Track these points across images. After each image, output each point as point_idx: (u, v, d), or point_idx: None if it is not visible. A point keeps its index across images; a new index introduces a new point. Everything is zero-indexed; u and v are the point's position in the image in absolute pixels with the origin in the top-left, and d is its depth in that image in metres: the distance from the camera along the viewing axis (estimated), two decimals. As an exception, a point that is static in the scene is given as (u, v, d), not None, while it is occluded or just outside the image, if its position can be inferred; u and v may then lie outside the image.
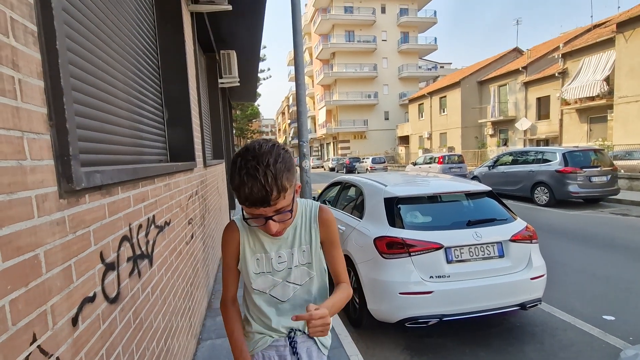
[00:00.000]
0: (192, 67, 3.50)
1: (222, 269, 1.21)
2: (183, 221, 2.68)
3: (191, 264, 2.93)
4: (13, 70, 0.78)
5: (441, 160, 16.00)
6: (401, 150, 35.74)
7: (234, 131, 19.29)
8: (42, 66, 0.88)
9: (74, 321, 0.99)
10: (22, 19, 0.81)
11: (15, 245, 0.75)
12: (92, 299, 1.11)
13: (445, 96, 28.15)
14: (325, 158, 44.15)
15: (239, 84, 7.63)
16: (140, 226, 1.64)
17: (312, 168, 40.58)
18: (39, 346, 0.81)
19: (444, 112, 28.68)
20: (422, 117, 31.94)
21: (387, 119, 41.13)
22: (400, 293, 2.81)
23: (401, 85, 40.90)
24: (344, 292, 1.21)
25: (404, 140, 36.36)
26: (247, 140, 35.03)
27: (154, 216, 1.87)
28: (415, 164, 18.08)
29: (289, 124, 58.35)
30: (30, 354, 0.78)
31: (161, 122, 2.86)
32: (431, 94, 29.82)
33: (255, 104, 34.25)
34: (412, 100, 33.26)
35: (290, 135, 55.68)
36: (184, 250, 2.66)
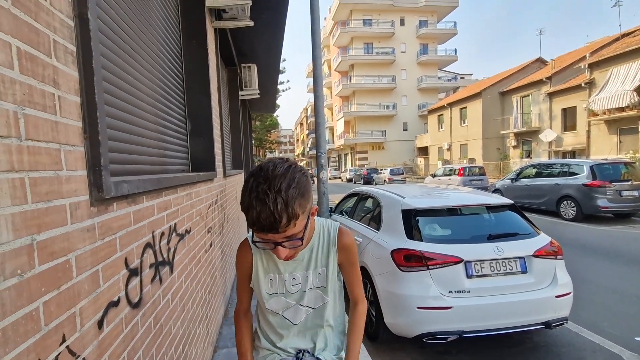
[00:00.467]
0: (214, 80, 3.63)
1: (237, 282, 1.22)
2: (203, 230, 2.75)
3: (209, 272, 2.99)
4: (54, 88, 0.84)
5: (461, 172, 15.71)
6: (420, 161, 35.36)
7: (253, 141, 19.65)
8: (79, 83, 0.95)
9: (100, 324, 1.03)
10: (63, 41, 0.88)
11: (50, 250, 0.80)
12: (116, 304, 1.15)
13: (465, 107, 27.80)
14: (343, 169, 44.17)
15: (258, 96, 7.81)
16: (162, 234, 1.69)
17: (330, 179, 40.67)
18: (67, 347, 0.86)
19: (464, 123, 28.28)
20: (441, 128, 31.60)
21: (405, 129, 40.92)
22: (418, 307, 2.76)
23: (420, 96, 40.71)
24: (362, 321, 1.24)
25: (423, 151, 36.00)
26: (265, 151, 35.56)
27: (175, 224, 1.93)
28: (434, 175, 17.82)
29: (307, 135, 58.86)
30: (59, 353, 0.82)
31: (184, 134, 2.96)
32: (451, 104, 29.52)
33: (274, 115, 34.82)
34: (431, 111, 33.03)
35: (308, 145, 56.14)
36: (202, 258, 2.71)
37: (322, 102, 4.83)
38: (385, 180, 24.09)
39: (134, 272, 1.32)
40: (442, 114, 31.26)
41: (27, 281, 0.72)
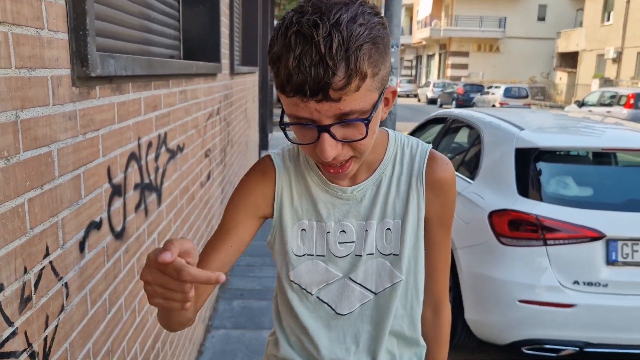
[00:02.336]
0: None
1: (218, 226, 1.12)
2: (199, 151, 3.02)
3: (205, 217, 3.32)
4: None
5: (632, 101, 14.96)
6: (560, 78, 33.73)
7: (275, 23, 19.53)
8: None
9: (81, 246, 1.31)
10: None
11: (33, 134, 1.03)
12: (98, 226, 1.43)
13: (659, -17, 25.48)
14: (423, 81, 43.16)
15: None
16: (150, 144, 1.94)
17: (400, 96, 40.15)
18: (50, 262, 1.13)
19: (652, 12, 26.16)
20: (608, 19, 29.57)
21: (542, 19, 38.69)
22: (520, 301, 2.96)
23: (578, -43, 37.61)
24: (447, 333, 1.22)
25: (569, 60, 34.15)
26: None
27: (165, 134, 2.18)
28: (582, 104, 17.15)
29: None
30: (43, 268, 1.09)
31: (175, -2, 3.12)
32: (633, -23, 27.15)
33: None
34: (594, -12, 30.76)
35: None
36: (197, 195, 3.02)
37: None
38: (494, 106, 23.53)
39: (117, 190, 1.59)
40: (613, -6, 29.07)
41: (13, 167, 0.95)
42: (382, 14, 0.92)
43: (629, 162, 3.74)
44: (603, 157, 3.69)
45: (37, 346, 1.07)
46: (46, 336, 1.11)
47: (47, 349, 1.12)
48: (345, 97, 0.82)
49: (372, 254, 1.08)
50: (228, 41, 4.19)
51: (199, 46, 3.38)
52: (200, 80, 3.02)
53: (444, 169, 1.10)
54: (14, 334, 0.97)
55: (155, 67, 1.88)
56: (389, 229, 1.08)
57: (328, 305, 1.11)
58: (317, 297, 1.11)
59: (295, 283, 1.10)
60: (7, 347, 0.95)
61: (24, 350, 1.02)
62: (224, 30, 3.84)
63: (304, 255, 1.09)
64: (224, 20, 3.84)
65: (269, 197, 1.09)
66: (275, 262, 1.16)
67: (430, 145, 1.13)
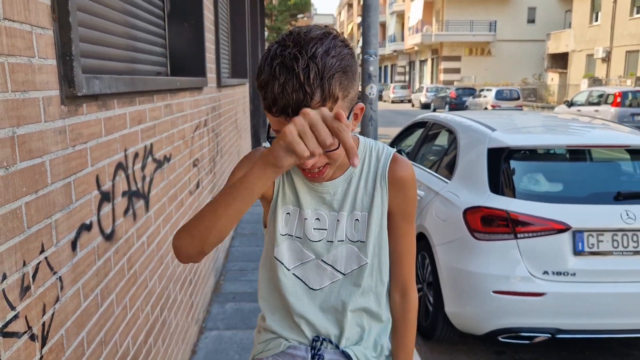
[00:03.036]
0: None
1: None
2: (187, 160, 3.19)
3: (195, 223, 3.48)
4: (24, -43, 1.19)
5: (619, 100, 15.18)
6: (552, 78, 34.00)
7: (266, 34, 19.77)
8: (46, -51, 1.30)
9: (73, 245, 1.48)
10: None
11: (28, 147, 1.20)
12: (88, 228, 1.60)
13: (645, -18, 25.78)
14: (417, 86, 43.46)
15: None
16: (136, 155, 2.12)
17: (393, 102, 40.46)
18: (46, 258, 1.30)
19: (638, 12, 26.47)
20: (595, 20, 29.86)
21: (532, 21, 39.04)
22: (494, 292, 3.13)
23: (564, -41, 37.99)
24: (414, 316, 1.37)
25: (560, 61, 34.44)
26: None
27: (151, 145, 2.35)
28: (571, 104, 17.35)
29: (359, 25, 57.44)
30: (40, 262, 1.26)
31: (160, 17, 3.31)
32: (619, -23, 27.46)
33: (304, -12, 34.18)
34: (581, -11, 31.06)
35: (361, 43, 54.97)
36: (186, 202, 3.19)
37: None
38: (486, 109, 23.72)
39: (105, 197, 1.76)
40: (600, -5, 29.36)
41: (12, 176, 1.13)
42: (351, 44, 1.14)
43: (600, 158, 3.93)
44: (575, 154, 3.86)
45: (36, 330, 1.24)
46: (44, 322, 1.28)
47: (45, 333, 1.29)
48: None
49: (342, 240, 1.27)
50: (214, 56, 4.37)
51: (185, 62, 3.56)
52: (186, 94, 3.20)
53: (403, 170, 1.28)
54: (16, 317, 1.14)
55: (138, 84, 2.05)
56: (357, 219, 1.27)
57: (302, 281, 1.29)
58: (293, 274, 1.29)
59: (277, 259, 1.29)
60: (10, 328, 1.12)
61: (25, 332, 1.19)
62: (209, 46, 4.03)
63: (286, 234, 1.28)
64: (209, 36, 4.02)
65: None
66: (265, 242, 1.35)
67: (394, 150, 1.32)
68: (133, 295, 2.07)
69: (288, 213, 1.28)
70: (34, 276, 1.23)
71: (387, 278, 1.34)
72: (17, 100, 1.16)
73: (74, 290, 1.48)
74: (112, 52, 2.20)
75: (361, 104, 1.17)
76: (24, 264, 1.19)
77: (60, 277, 1.39)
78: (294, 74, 0.98)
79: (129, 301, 2.02)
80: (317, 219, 1.27)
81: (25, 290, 1.19)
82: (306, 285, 1.29)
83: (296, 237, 1.28)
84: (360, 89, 5.49)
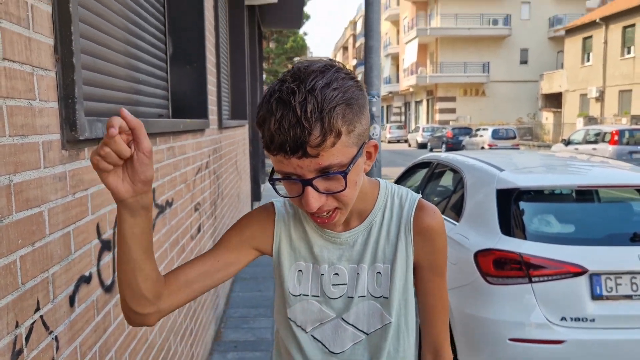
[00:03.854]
0: (208, -25, 3.89)
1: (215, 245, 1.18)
2: (189, 205, 3.10)
3: (196, 268, 3.36)
4: (27, -5, 1.13)
5: (616, 138, 15.27)
6: (547, 118, 34.39)
7: (264, 76, 20.03)
8: (51, -13, 1.24)
9: (71, 300, 1.37)
10: None
11: (25, 196, 1.11)
12: (88, 280, 1.49)
13: (633, 24, 26.46)
14: (413, 126, 43.85)
15: (276, 0, 8.02)
16: (138, 200, 2.02)
17: (390, 142, 40.68)
18: (41, 317, 1.19)
19: (629, 53, 27.08)
20: (587, 60, 30.46)
21: (524, 62, 39.75)
22: (510, 339, 2.99)
23: (554, 3, 39.10)
24: None
25: (553, 100, 34.90)
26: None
27: (154, 190, 2.26)
28: (568, 142, 17.45)
29: (355, 67, 58.51)
30: (34, 322, 1.15)
31: (163, 59, 3.28)
32: (607, 20, 28.25)
33: (301, 32, 34.92)
34: (571, 31, 31.98)
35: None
36: (187, 247, 3.08)
37: (378, 9, 4.96)
38: (483, 148, 23.85)
39: (106, 245, 1.66)
40: (589, 36, 30.10)
41: (6, 228, 1.03)
42: (358, 77, 1.04)
43: (610, 198, 3.85)
44: (582, 194, 3.79)
45: (29, 398, 1.12)
46: (37, 388, 1.16)
47: (38, 401, 1.16)
48: (323, 153, 0.92)
49: (364, 296, 1.16)
50: (215, 98, 4.34)
51: (187, 103, 3.52)
52: (188, 136, 3.14)
53: (431, 217, 1.17)
54: (6, 386, 1.03)
55: (142, 127, 1.98)
56: (379, 272, 1.16)
57: (322, 343, 1.18)
58: (312, 336, 1.18)
59: (291, 320, 1.18)
60: (0, 399, 1.00)
61: (16, 402, 1.07)
62: (211, 88, 3.99)
63: (300, 295, 1.17)
64: (211, 78, 3.99)
65: (267, 234, 1.19)
66: (276, 293, 1.25)
67: (420, 195, 1.22)
68: (133, 350, 1.95)
69: (300, 270, 1.18)
70: (27, 338, 1.12)
71: (414, 339, 1.23)
72: (15, 145, 1.07)
73: (70, 349, 1.36)
74: (113, 95, 2.14)
75: (374, 141, 1.07)
76: (17, 325, 1.07)
77: (56, 337, 1.27)
78: (291, 108, 0.90)
79: (128, 357, 1.89)
80: (336, 274, 1.17)
81: (17, 354, 1.07)
82: (326, 348, 1.18)
83: (313, 296, 1.17)
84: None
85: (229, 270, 1.14)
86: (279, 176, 1.01)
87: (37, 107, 1.18)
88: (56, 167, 1.28)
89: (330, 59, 1.02)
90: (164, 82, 3.26)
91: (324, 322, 1.17)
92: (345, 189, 0.98)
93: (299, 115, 0.90)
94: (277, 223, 1.19)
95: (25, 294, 1.11)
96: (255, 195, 9.97)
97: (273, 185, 1.05)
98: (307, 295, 1.17)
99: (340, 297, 1.16)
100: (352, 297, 1.16)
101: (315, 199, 0.98)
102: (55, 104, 1.28)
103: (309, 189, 0.97)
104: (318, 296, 1.17)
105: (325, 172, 0.95)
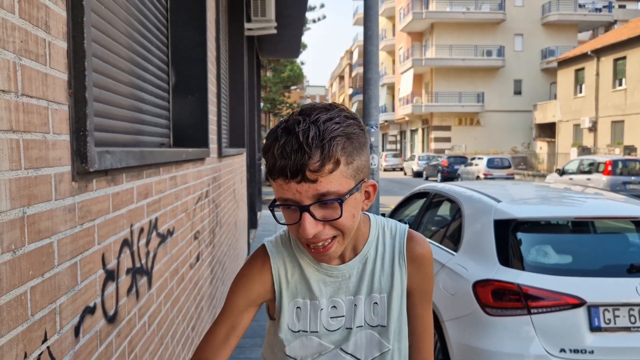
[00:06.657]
0: (211, 7, 3.97)
1: (219, 315, 1.23)
2: (188, 233, 3.10)
3: (194, 298, 3.35)
4: (45, 32, 1.16)
5: (610, 168, 15.41)
6: (541, 147, 34.66)
7: (262, 104, 20.20)
8: (66, 25, 1.27)
9: (76, 331, 1.37)
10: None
11: (37, 227, 1.13)
12: (92, 310, 1.49)
13: (624, 57, 26.93)
14: (408, 155, 44.09)
15: (275, 31, 8.14)
16: (142, 230, 2.04)
17: (385, 170, 40.80)
18: (48, 348, 1.19)
19: (620, 84, 27.50)
20: (580, 91, 30.89)
21: (518, 92, 40.25)
22: (510, 371, 2.97)
23: (546, 35, 39.78)
24: None
25: (547, 130, 35.28)
26: (279, 118, 36.31)
27: (156, 220, 2.28)
28: (562, 172, 17.58)
29: (351, 97, 59.05)
30: (41, 353, 1.15)
31: (165, 90, 3.32)
32: (599, 52, 28.74)
33: (298, 61, 35.35)
34: (563, 63, 32.45)
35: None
36: (187, 276, 3.07)
37: (376, 43, 5.06)
38: (479, 176, 23.95)
39: (110, 276, 1.66)
40: (582, 68, 30.56)
41: (19, 259, 1.04)
42: (359, 118, 1.11)
43: (606, 229, 3.88)
44: (580, 226, 3.81)
45: None
46: (42, 421, 1.16)
47: None
48: (321, 179, 0.98)
49: (361, 326, 1.21)
50: (216, 127, 4.38)
51: (188, 133, 3.55)
52: (189, 165, 3.16)
53: (421, 246, 1.24)
54: (13, 418, 1.02)
55: (147, 157, 2.00)
56: (376, 302, 1.21)
57: None
58: None
59: (291, 357, 1.21)
60: None
61: None
62: (212, 117, 4.04)
63: (299, 331, 1.21)
64: (212, 108, 4.04)
65: (268, 284, 1.22)
66: (268, 331, 1.31)
67: (407, 226, 1.28)
68: (133, 381, 1.93)
69: (298, 307, 1.21)
70: (34, 369, 1.12)
71: None
72: (29, 177, 1.09)
73: (74, 381, 1.36)
74: (118, 125, 2.17)
75: (373, 181, 1.13)
76: (25, 356, 1.08)
77: (61, 368, 1.27)
78: (294, 135, 0.98)
79: (128, 389, 1.88)
80: (334, 307, 1.21)
81: (25, 386, 1.07)
82: None
83: (312, 332, 1.20)
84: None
85: (243, 334, 1.23)
86: (278, 201, 1.05)
87: (51, 141, 1.21)
88: (66, 198, 1.29)
89: (334, 103, 1.10)
90: (166, 111, 3.30)
91: (322, 354, 1.20)
92: (341, 216, 1.03)
93: (301, 141, 0.97)
94: (273, 268, 1.22)
95: (34, 325, 1.12)
96: (252, 222, 9.95)
97: (272, 212, 1.09)
98: (307, 332, 1.20)
99: (338, 329, 1.20)
100: (351, 328, 1.20)
101: (312, 226, 1.03)
102: (67, 137, 1.31)
103: (306, 215, 1.02)
104: (317, 331, 1.20)
105: (322, 199, 1.01)
